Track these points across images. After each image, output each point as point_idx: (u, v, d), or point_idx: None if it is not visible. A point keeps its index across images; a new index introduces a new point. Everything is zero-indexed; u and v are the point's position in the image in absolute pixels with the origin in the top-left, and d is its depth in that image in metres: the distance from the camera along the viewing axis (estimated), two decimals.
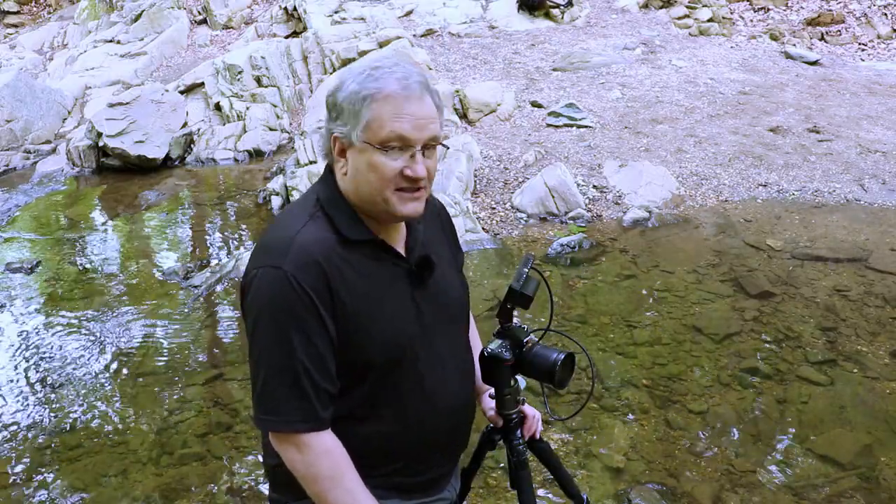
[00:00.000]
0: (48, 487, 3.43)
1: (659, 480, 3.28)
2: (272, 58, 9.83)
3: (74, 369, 4.48)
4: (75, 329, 4.99)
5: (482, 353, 1.69)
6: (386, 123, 1.42)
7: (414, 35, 10.59)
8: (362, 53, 9.22)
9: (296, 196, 6.66)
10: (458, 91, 8.51)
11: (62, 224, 7.34)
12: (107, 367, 4.50)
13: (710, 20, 12.07)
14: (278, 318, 1.42)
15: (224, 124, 9.35)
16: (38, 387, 4.31)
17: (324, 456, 1.45)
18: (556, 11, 11.97)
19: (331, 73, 9.34)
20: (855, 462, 3.36)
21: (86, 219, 7.51)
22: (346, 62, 9.20)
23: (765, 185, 6.86)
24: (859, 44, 11.81)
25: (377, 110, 1.42)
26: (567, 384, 1.69)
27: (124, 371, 4.45)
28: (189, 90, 10.04)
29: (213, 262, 6.07)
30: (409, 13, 11.37)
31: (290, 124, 9.42)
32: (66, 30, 13.51)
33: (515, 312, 1.73)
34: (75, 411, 4.02)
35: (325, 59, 9.78)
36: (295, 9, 11.28)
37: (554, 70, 9.90)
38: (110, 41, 12.21)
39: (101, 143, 8.63)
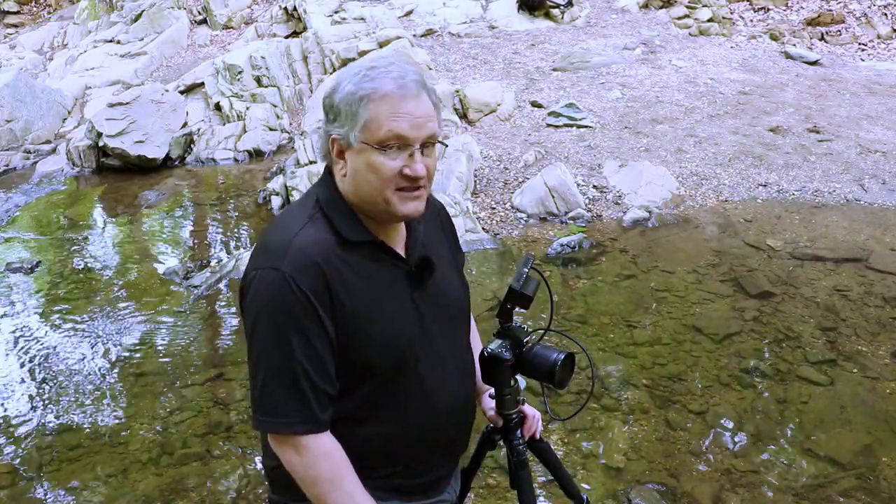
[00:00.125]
0: (48, 487, 3.43)
1: (659, 480, 3.28)
2: (272, 58, 9.84)
3: (74, 369, 4.48)
4: (75, 329, 4.99)
5: (482, 353, 1.69)
6: (383, 123, 1.41)
7: (414, 35, 10.59)
8: (362, 53, 9.22)
9: (296, 196, 6.66)
10: (458, 91, 8.51)
11: (62, 224, 7.34)
12: (107, 367, 4.49)
13: (710, 20, 12.07)
14: (277, 320, 1.41)
15: (224, 124, 9.35)
16: (38, 387, 4.31)
17: (323, 458, 1.45)
18: (556, 11, 11.97)
19: (331, 73, 9.35)
20: (855, 462, 3.36)
21: (86, 219, 7.51)
22: (346, 62, 9.19)
23: (765, 185, 6.86)
24: (859, 44, 11.81)
25: (374, 110, 1.41)
26: (567, 384, 1.69)
27: (124, 371, 4.45)
28: (189, 90, 10.04)
29: (213, 262, 6.07)
30: (409, 13, 11.37)
31: (290, 124, 9.42)
32: (66, 30, 13.51)
33: (515, 313, 1.73)
34: (75, 411, 4.02)
35: (325, 59, 9.78)
36: (295, 9, 11.28)
37: (554, 70, 9.90)
38: (110, 41, 12.21)
39: (101, 143, 8.63)
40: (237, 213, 7.35)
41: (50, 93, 10.24)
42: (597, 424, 3.68)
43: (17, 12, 15.20)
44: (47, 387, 4.30)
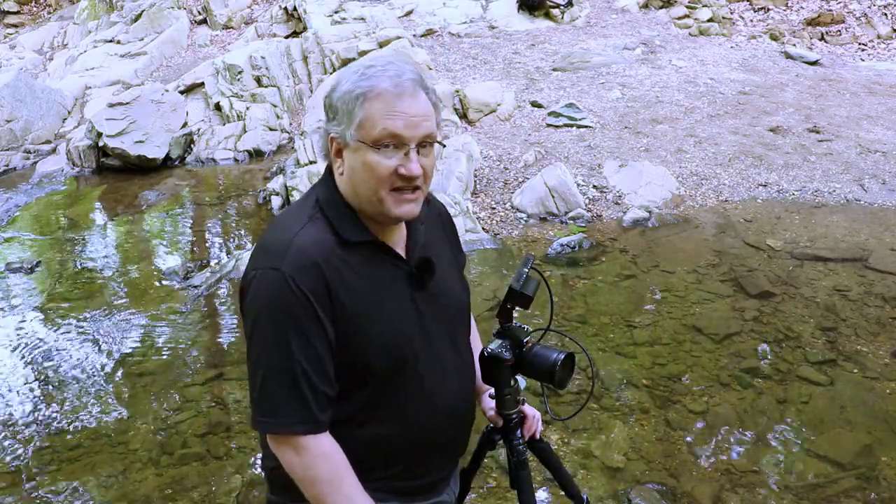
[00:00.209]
0: (48, 487, 3.43)
1: (659, 480, 3.28)
2: (272, 58, 9.84)
3: (74, 369, 4.48)
4: (75, 329, 4.99)
5: (482, 353, 1.69)
6: (378, 122, 1.41)
7: (414, 35, 10.59)
8: (362, 53, 9.22)
9: (296, 196, 6.67)
10: (458, 91, 8.51)
11: (62, 224, 7.34)
12: (107, 367, 4.49)
13: (710, 20, 12.08)
14: (277, 320, 1.41)
15: (224, 124, 9.35)
16: (38, 387, 4.31)
17: (322, 459, 1.45)
18: (556, 11, 11.97)
19: (331, 73, 9.35)
20: (855, 462, 3.35)
21: (86, 219, 7.51)
22: (346, 62, 9.19)
23: (765, 185, 6.86)
24: (859, 44, 11.81)
25: (369, 109, 1.41)
26: (567, 384, 1.69)
27: (124, 371, 4.45)
28: (189, 90, 10.04)
29: (213, 262, 6.07)
30: (409, 13, 11.37)
31: (290, 124, 9.42)
32: (66, 30, 13.51)
33: (515, 312, 1.73)
34: (75, 411, 4.02)
35: (325, 59, 9.78)
36: (295, 9, 11.28)
37: (554, 70, 9.90)
38: (110, 41, 12.21)
39: (101, 143, 8.63)
40: (237, 214, 7.35)
41: (50, 93, 10.24)
42: (597, 424, 3.68)
43: (17, 12, 15.21)
44: (47, 387, 4.30)
